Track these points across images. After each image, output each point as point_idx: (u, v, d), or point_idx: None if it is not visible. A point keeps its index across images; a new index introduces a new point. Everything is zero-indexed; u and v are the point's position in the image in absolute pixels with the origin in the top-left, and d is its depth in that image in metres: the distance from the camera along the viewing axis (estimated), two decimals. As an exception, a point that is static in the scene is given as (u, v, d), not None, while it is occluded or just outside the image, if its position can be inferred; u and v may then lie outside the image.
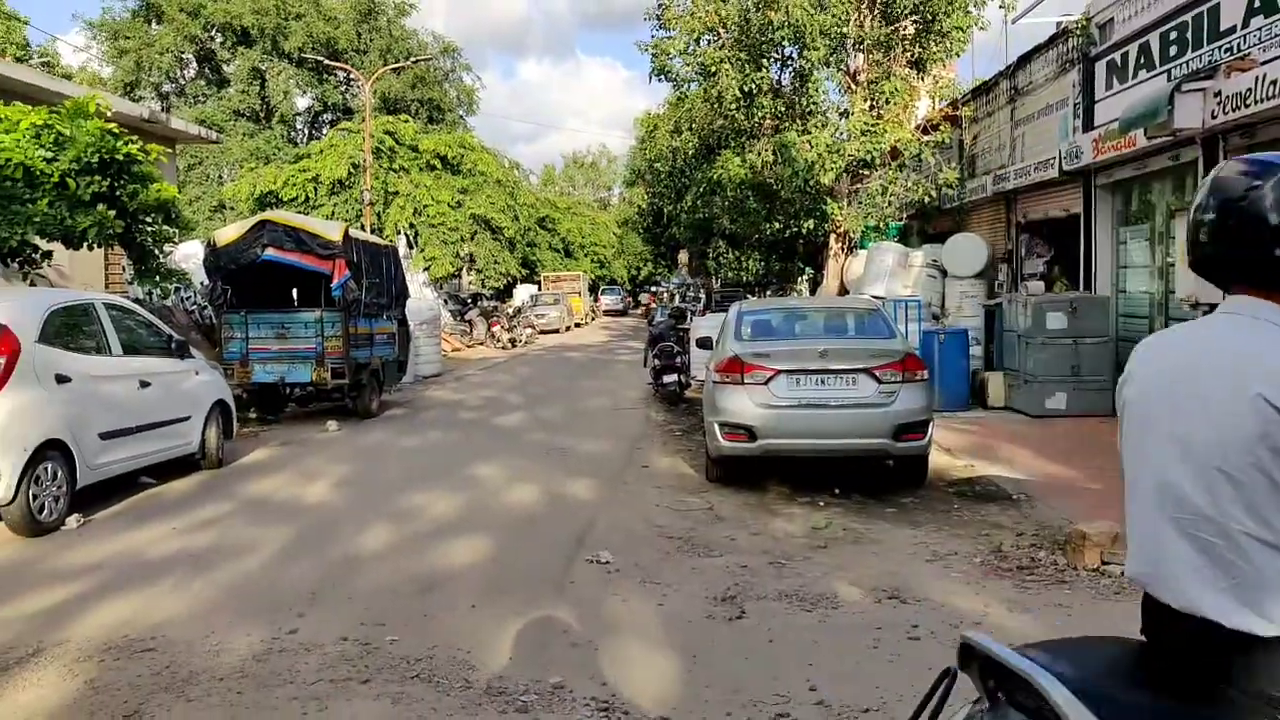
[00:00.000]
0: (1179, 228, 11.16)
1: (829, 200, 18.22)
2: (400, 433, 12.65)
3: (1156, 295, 12.71)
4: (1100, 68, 13.59)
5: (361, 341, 13.66)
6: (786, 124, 18.07)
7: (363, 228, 26.89)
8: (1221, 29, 10.65)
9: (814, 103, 17.94)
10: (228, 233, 13.40)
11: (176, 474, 9.29)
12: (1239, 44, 10.28)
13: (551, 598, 5.62)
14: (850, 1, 17.00)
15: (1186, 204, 11.35)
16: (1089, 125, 13.68)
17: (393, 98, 40.47)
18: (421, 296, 23.97)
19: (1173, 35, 11.66)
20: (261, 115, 39.99)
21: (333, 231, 13.29)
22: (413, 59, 38.85)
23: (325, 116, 43.36)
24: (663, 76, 19.27)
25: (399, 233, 31.64)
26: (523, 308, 35.59)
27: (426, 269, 31.85)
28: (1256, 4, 10.05)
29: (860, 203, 18.35)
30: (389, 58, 39.30)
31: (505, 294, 41.10)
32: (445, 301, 30.42)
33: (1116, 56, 13.10)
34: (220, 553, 6.65)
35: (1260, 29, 9.96)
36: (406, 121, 35.76)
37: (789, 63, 18.38)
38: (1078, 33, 13.98)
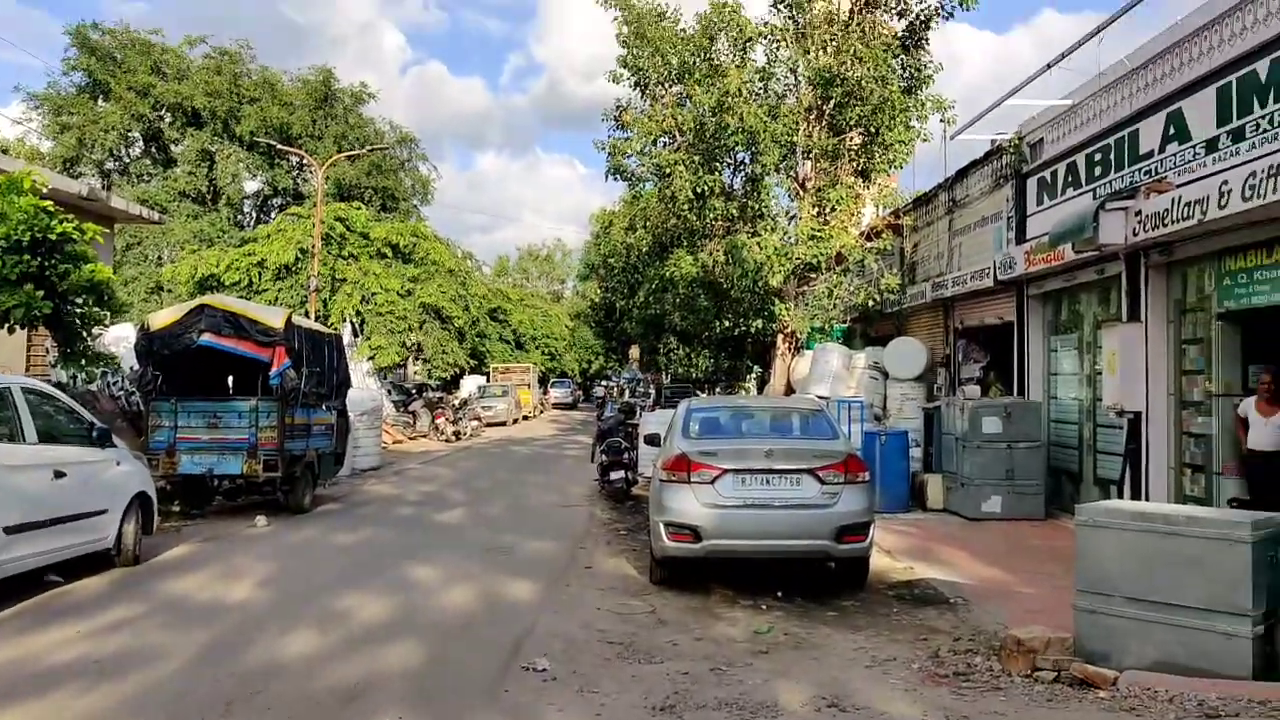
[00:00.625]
0: (1105, 338, 11.54)
1: (777, 301, 18.58)
2: (333, 529, 12.29)
3: (1085, 402, 13.07)
4: (1031, 184, 14.22)
5: (298, 432, 13.36)
6: (738, 226, 18.53)
7: (307, 314, 26.67)
8: (1141, 153, 11.24)
9: (765, 207, 18.47)
10: (163, 316, 13.04)
11: (88, 571, 8.85)
12: (1156, 167, 10.86)
13: (484, 708, 5.46)
14: (800, 112, 17.66)
15: (1112, 315, 11.81)
16: (1021, 238, 14.23)
17: (346, 184, 40.59)
18: (364, 386, 23.69)
19: (1097, 157, 12.27)
20: (208, 197, 39.73)
21: (274, 318, 13.06)
22: (368, 147, 39.10)
23: (275, 201, 43.28)
24: (618, 175, 19.76)
25: (345, 320, 31.39)
26: (469, 399, 35.28)
27: (371, 358, 31.53)
28: (1171, 131, 10.66)
29: (807, 304, 18.74)
30: (344, 144, 39.54)
31: (452, 385, 40.79)
32: (389, 391, 30.08)
33: (1046, 174, 13.73)
34: (128, 659, 6.29)
35: (1175, 154, 10.54)
36: (359, 208, 35.78)
37: (741, 167, 18.93)
38: (1010, 151, 14.64)
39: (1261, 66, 9.17)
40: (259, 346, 12.72)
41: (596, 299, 49.36)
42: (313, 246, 29.99)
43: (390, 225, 36.33)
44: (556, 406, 56.08)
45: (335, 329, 28.37)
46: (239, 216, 41.83)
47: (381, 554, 10.45)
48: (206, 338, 12.64)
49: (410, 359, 36.80)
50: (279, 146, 35.93)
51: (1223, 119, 9.74)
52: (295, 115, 39.45)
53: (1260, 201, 8.23)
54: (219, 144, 38.69)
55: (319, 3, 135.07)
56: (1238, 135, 9.51)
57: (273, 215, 41.12)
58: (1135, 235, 10.31)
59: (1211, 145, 9.92)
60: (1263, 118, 9.14)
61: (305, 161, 37.84)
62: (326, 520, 13.14)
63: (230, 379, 14.91)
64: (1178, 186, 9.92)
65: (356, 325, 32.21)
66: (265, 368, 12.85)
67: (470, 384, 41.28)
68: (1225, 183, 8.73)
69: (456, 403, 32.99)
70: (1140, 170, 11.22)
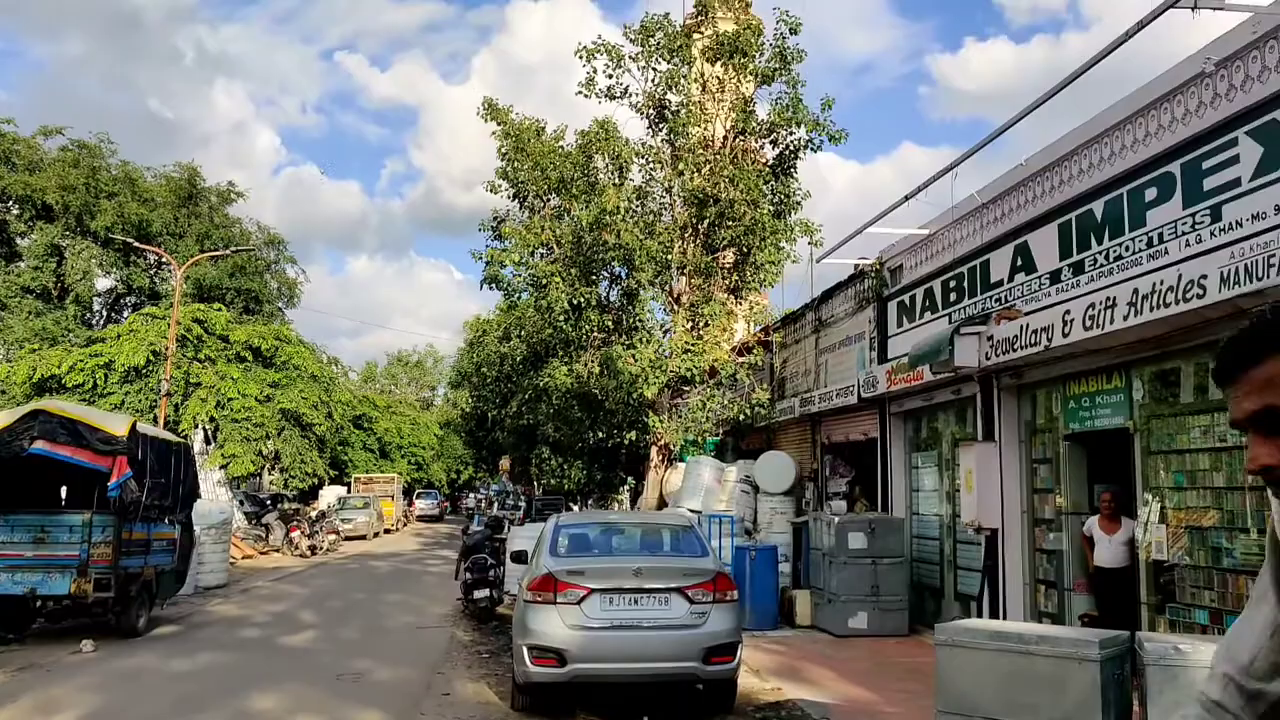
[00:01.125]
0: (962, 456, 11.96)
1: (651, 413, 18.65)
2: (168, 655, 11.30)
3: (945, 518, 13.44)
4: (892, 307, 14.88)
5: (135, 548, 12.37)
6: (614, 338, 18.66)
7: (156, 420, 25.16)
8: (992, 281, 11.94)
9: (640, 320, 18.71)
10: (-9, 421, 12.07)
11: None
12: (1006, 295, 11.52)
13: None
14: (675, 230, 18.14)
15: (968, 434, 12.27)
16: (883, 358, 14.78)
17: (207, 285, 38.99)
18: (214, 497, 22.36)
19: (952, 283, 12.97)
20: (54, 294, 37.51)
21: (117, 425, 12.23)
22: (233, 248, 37.88)
23: (128, 300, 41.21)
24: (494, 285, 19.70)
25: (197, 427, 29.74)
26: (328, 511, 33.71)
27: (224, 467, 29.85)
28: (1019, 262, 11.38)
29: (680, 417, 18.88)
30: (207, 244, 38.16)
31: (310, 496, 38.97)
32: (241, 503, 28.49)
33: (906, 298, 14.40)
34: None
35: (1023, 284, 11.23)
36: (219, 310, 34.35)
37: (618, 281, 19.19)
38: (872, 275, 15.34)
39: (1097, 206, 9.94)
40: (98, 455, 11.83)
41: (467, 408, 48.52)
42: (166, 348, 28.52)
43: (252, 328, 34.95)
44: (421, 519, 54.26)
45: (186, 436, 26.85)
46: (88, 315, 39.53)
47: (221, 682, 9.64)
48: (39, 445, 11.68)
49: (266, 468, 35.01)
50: (136, 244, 34.39)
51: (1064, 253, 10.46)
52: (156, 212, 37.98)
53: (1099, 331, 8.78)
54: (70, 239, 36.77)
55: (190, 100, 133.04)
56: (1078, 268, 10.22)
57: (125, 315, 39.05)
58: (988, 359, 10.82)
59: (1055, 277, 10.61)
60: (1099, 253, 9.86)
61: (164, 260, 36.31)
62: (163, 644, 12.09)
63: (64, 489, 13.76)
64: (1026, 314, 10.52)
65: (210, 432, 30.54)
66: (104, 478, 11.93)
67: (330, 495, 39.50)
68: (1068, 312, 9.30)
69: (314, 515, 31.47)
70: (992, 297, 11.88)
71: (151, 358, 30.12)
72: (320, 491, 39.95)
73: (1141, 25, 8.58)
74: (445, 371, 74.52)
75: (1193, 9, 8.00)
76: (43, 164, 37.10)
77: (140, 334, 31.27)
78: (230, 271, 39.81)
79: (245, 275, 40.88)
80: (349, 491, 41.69)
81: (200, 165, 41.16)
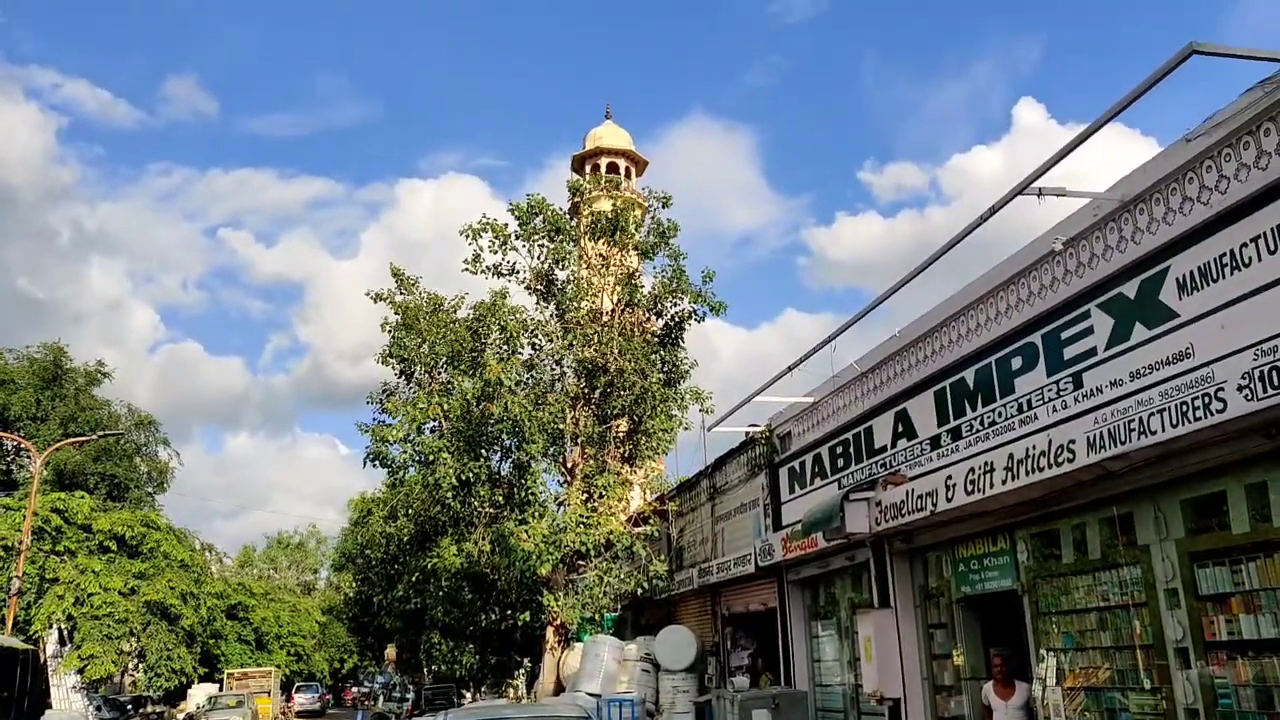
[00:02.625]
0: (860, 624, 11.95)
1: (545, 591, 18.13)
2: None
3: (848, 688, 13.27)
4: (784, 473, 15.11)
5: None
6: (505, 513, 18.27)
7: (3, 623, 23.08)
8: (877, 447, 12.30)
9: (532, 493, 18.41)
10: None
11: None
12: (890, 461, 11.87)
13: None
14: (567, 400, 18.20)
15: (865, 600, 12.31)
16: (778, 525, 14.88)
17: (69, 470, 36.88)
18: (68, 703, 20.37)
19: (839, 449, 13.30)
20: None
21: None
22: (99, 433, 36.14)
23: (-16, 490, 38.51)
24: (379, 462, 19.19)
25: (51, 627, 27.33)
26: (196, 713, 31.07)
27: (80, 670, 27.35)
28: (900, 429, 11.79)
29: (577, 593, 18.40)
30: (72, 427, 36.36)
31: (178, 696, 35.92)
32: (99, 708, 25.99)
33: (796, 464, 14.67)
34: None
35: (905, 449, 11.61)
36: (82, 498, 32.31)
37: (509, 454, 18.98)
38: (763, 442, 15.62)
39: (969, 374, 10.48)
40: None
41: (351, 592, 46.25)
42: (20, 543, 26.46)
43: (117, 515, 32.89)
44: (302, 715, 50.43)
45: (38, 638, 24.70)
46: (-73, 508, 36.63)
47: None
48: None
49: (129, 668, 32.24)
50: (-8, 431, 32.53)
51: (942, 419, 10.91)
52: (16, 395, 36.20)
53: (980, 495, 9.07)
54: (-82, 426, 34.53)
55: (64, 279, 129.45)
56: (956, 434, 10.64)
57: (-24, 507, 36.33)
58: (878, 524, 11.01)
59: (935, 442, 11.02)
60: (975, 419, 10.32)
61: (22, 447, 34.29)
62: None
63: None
64: (910, 479, 10.82)
65: (66, 632, 28.08)
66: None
67: (199, 694, 36.48)
68: (950, 477, 9.60)
69: (181, 717, 28.92)
70: (877, 463, 12.21)
71: (3, 554, 27.89)
72: (189, 691, 36.84)
73: (994, 210, 9.32)
74: (328, 553, 71.27)
75: (1038, 195, 8.75)
76: (-112, 345, 35.17)
77: (-8, 527, 29.03)
78: (94, 456, 37.82)
79: (111, 460, 38.88)
80: (221, 689, 38.58)
81: (68, 345, 39.74)
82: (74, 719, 18.42)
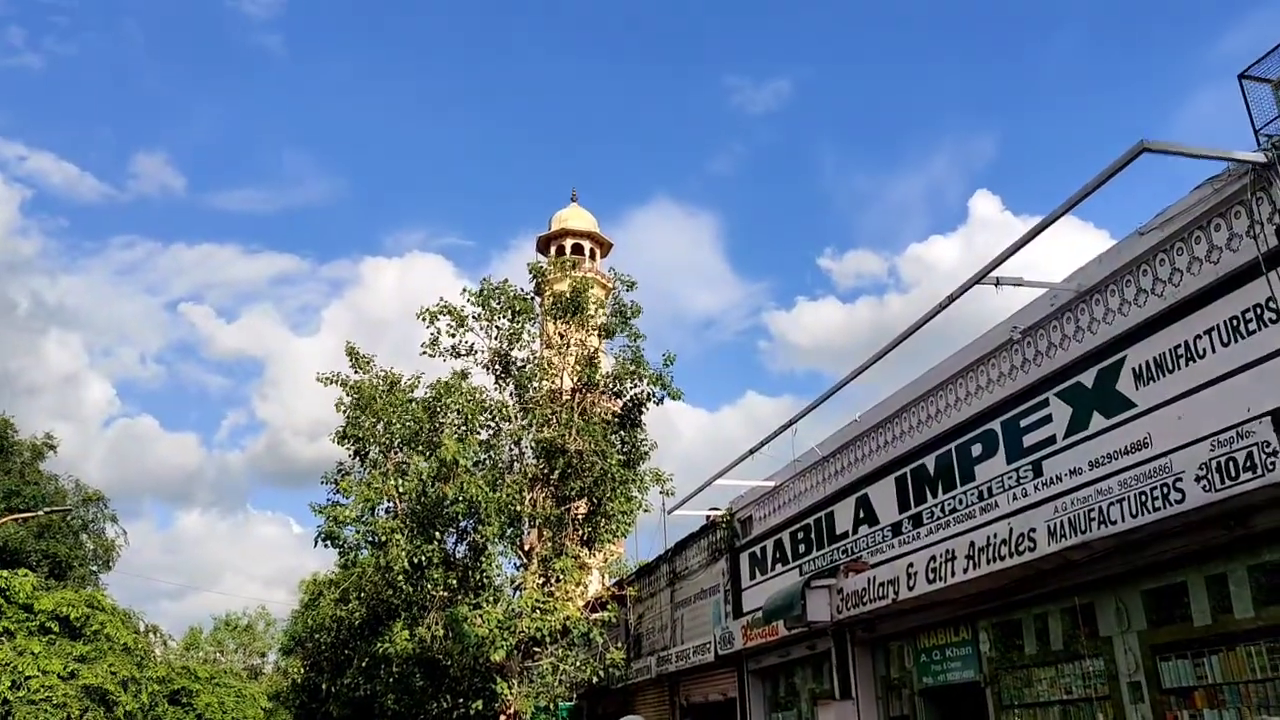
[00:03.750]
0: (821, 715, 11.65)
1: (499, 679, 17.55)
2: None
3: (812, 783, 12.87)
4: (745, 559, 14.88)
5: None
6: (459, 596, 17.77)
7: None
8: (838, 533, 12.17)
9: (487, 576, 17.94)
10: None
11: None
12: (852, 547, 11.72)
13: None
14: (525, 481, 17.88)
15: (825, 691, 12.02)
16: (738, 612, 14.59)
17: (11, 548, 35.64)
18: (-6, 798, 19.23)
19: (800, 535, 13.14)
20: None
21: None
22: (45, 509, 35.08)
23: (-91, 568, 37.02)
24: (331, 543, 18.66)
25: (-16, 710, 26.08)
26: (131, 807, 29.47)
27: (13, 759, 26.01)
28: (862, 514, 11.68)
29: (531, 681, 17.82)
30: (15, 502, 35.21)
31: (113, 788, 34.10)
32: (29, 800, 24.61)
33: (757, 550, 14.46)
34: None
35: (867, 536, 11.48)
36: (24, 575, 31.14)
37: (465, 536, 18.55)
38: (724, 526, 15.41)
39: (929, 461, 10.44)
40: None
41: (299, 678, 44.67)
42: (-49, 630, 25.36)
43: (61, 595, 31.69)
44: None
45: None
46: None
47: None
48: None
49: (62, 757, 30.65)
50: (-73, 505, 31.48)
51: (903, 505, 10.83)
52: (-45, 469, 35.14)
53: (941, 584, 8.95)
54: None
55: (19, 350, 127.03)
56: (917, 520, 10.55)
57: (-92, 584, 34.86)
58: (839, 613, 10.81)
59: (897, 529, 10.91)
60: (935, 506, 10.24)
61: (-40, 521, 33.14)
62: None
63: None
64: (872, 566, 10.67)
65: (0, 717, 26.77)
66: None
67: (137, 785, 34.68)
68: (911, 565, 9.48)
69: (113, 813, 27.37)
70: (839, 549, 12.06)
71: (-65, 635, 26.72)
72: (124, 783, 35.02)
73: (953, 298, 9.40)
74: (278, 635, 69.05)
75: (996, 285, 8.85)
76: None
77: (-76, 608, 27.84)
78: (38, 532, 36.60)
79: (56, 537, 37.63)
80: (158, 782, 36.70)
81: (13, 417, 38.67)
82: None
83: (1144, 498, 6.86)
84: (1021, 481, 9.06)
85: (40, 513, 34.56)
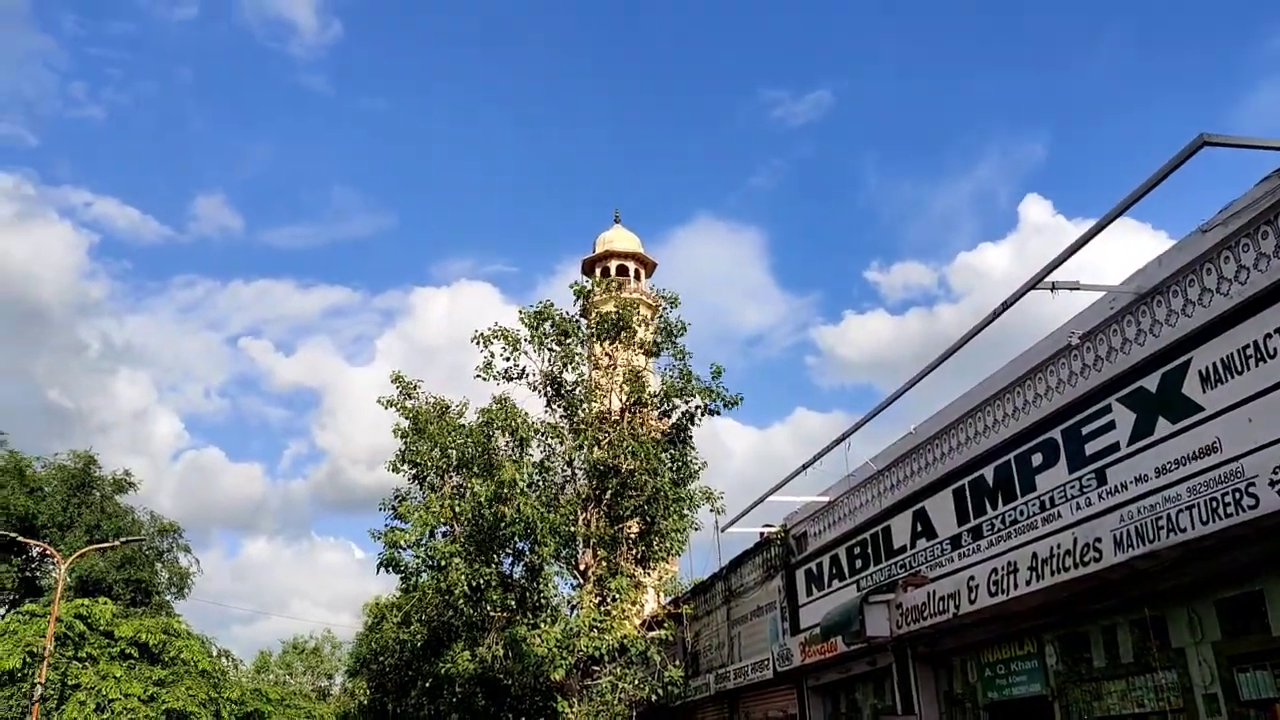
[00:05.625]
0: (887, 732, 11.40)
1: (560, 698, 17.53)
2: None
3: (877, 804, 12.58)
4: (800, 575, 14.66)
5: None
6: (518, 617, 17.83)
7: (26, 730, 22.73)
8: (895, 547, 11.92)
9: (545, 597, 17.98)
10: None
11: None
12: (910, 561, 11.47)
13: None
14: (578, 502, 17.90)
15: (888, 706, 11.76)
16: (795, 629, 14.37)
17: (93, 578, 36.87)
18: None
19: (857, 550, 12.91)
20: (-81, 595, 34.92)
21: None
22: (122, 539, 36.21)
23: (4, 597, 38.46)
24: (392, 568, 18.89)
25: (72, 733, 26.90)
26: (209, 824, 30.11)
27: (100, 778, 26.77)
28: (919, 528, 11.43)
29: (591, 700, 17.76)
30: (97, 534, 36.48)
31: (194, 806, 34.85)
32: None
33: (813, 566, 14.24)
34: None
35: (925, 550, 11.23)
36: (105, 604, 32.23)
37: (521, 557, 18.62)
38: (778, 543, 15.21)
39: (988, 472, 10.18)
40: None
41: (365, 699, 45.23)
42: (43, 649, 26.30)
43: (139, 622, 32.71)
44: (316, 827, 48.76)
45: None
46: (-45, 616, 36.63)
47: None
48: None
49: (145, 776, 31.44)
50: (19, 538, 32.70)
51: (962, 518, 10.57)
52: (43, 504, 36.51)
53: (1004, 596, 8.70)
54: (-58, 535, 34.76)
55: (92, 389, 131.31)
56: (977, 533, 10.29)
57: (1, 614, 36.24)
58: (899, 628, 10.57)
59: (955, 542, 10.65)
60: (995, 518, 9.98)
61: (47, 554, 34.39)
62: None
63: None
64: (931, 580, 10.43)
65: (87, 737, 27.60)
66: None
67: (213, 805, 35.40)
68: (972, 578, 9.23)
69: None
70: (896, 563, 11.82)
71: (28, 659, 27.68)
72: (205, 801, 35.81)
73: (1007, 305, 9.19)
74: (343, 658, 70.08)
75: (1052, 289, 8.62)
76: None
77: (17, 635, 28.87)
78: (119, 562, 37.86)
79: (134, 566, 38.87)
80: (235, 800, 37.42)
81: (97, 454, 40.12)
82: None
83: (1215, 504, 6.59)
84: (1085, 490, 8.79)
85: (119, 542, 35.70)
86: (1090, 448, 8.78)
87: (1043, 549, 8.29)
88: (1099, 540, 7.63)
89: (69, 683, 28.65)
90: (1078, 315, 9.03)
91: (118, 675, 29.40)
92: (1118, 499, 8.29)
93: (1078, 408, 8.97)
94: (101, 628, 30.48)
